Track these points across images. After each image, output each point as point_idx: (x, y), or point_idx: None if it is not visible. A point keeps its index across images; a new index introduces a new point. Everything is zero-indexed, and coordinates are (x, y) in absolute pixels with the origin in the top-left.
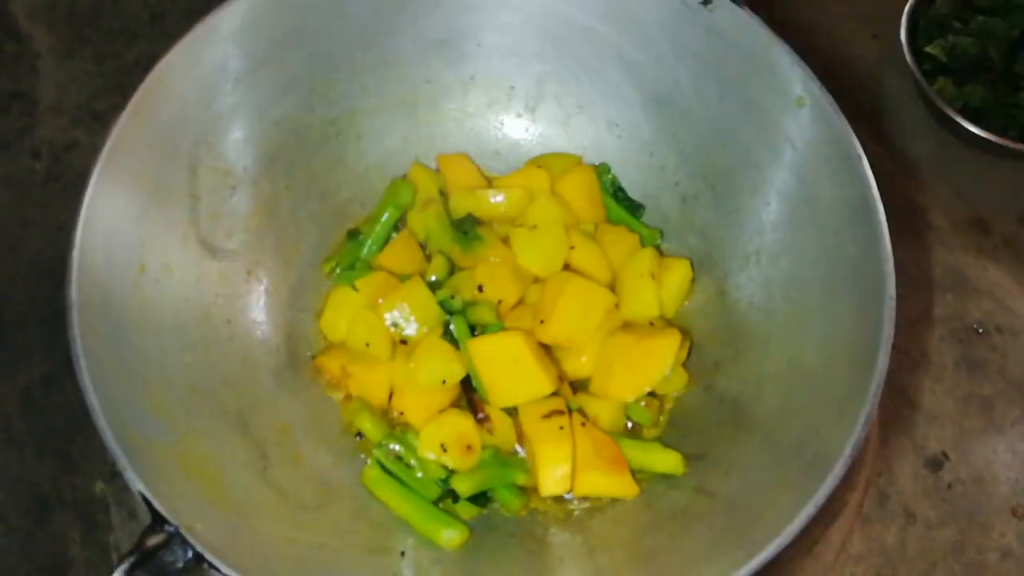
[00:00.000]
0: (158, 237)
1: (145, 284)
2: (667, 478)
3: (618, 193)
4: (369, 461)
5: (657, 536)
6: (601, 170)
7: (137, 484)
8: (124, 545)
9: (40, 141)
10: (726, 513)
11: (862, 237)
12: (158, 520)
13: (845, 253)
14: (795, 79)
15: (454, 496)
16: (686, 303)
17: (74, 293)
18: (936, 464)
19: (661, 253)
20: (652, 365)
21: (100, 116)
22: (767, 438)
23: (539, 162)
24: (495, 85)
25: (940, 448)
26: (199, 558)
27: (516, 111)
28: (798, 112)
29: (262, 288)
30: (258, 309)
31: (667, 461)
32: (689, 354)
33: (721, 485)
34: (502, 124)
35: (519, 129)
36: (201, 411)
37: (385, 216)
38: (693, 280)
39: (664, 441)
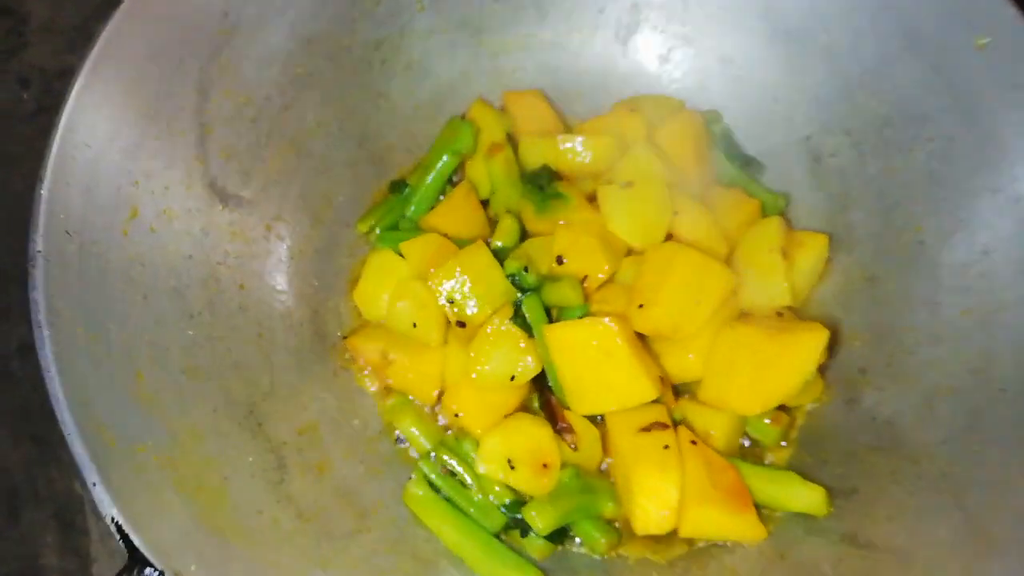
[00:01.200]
0: (156, 175)
1: (136, 234)
2: (805, 520)
3: (731, 148)
4: (413, 475)
5: None
6: (710, 118)
7: (110, 508)
8: (104, 560)
9: (29, 67)
10: (897, 574)
11: None
12: (136, 560)
13: None
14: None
15: (523, 528)
16: (819, 288)
17: (40, 242)
18: None
19: (789, 225)
20: (788, 370)
21: None
22: (945, 475)
23: (632, 105)
24: (579, 6)
25: None
26: None
27: (604, 40)
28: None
29: (283, 248)
30: (278, 274)
31: (806, 497)
32: (827, 356)
33: (882, 535)
34: (586, 56)
35: (608, 63)
36: (202, 402)
37: (439, 164)
38: (828, 260)
39: (795, 468)
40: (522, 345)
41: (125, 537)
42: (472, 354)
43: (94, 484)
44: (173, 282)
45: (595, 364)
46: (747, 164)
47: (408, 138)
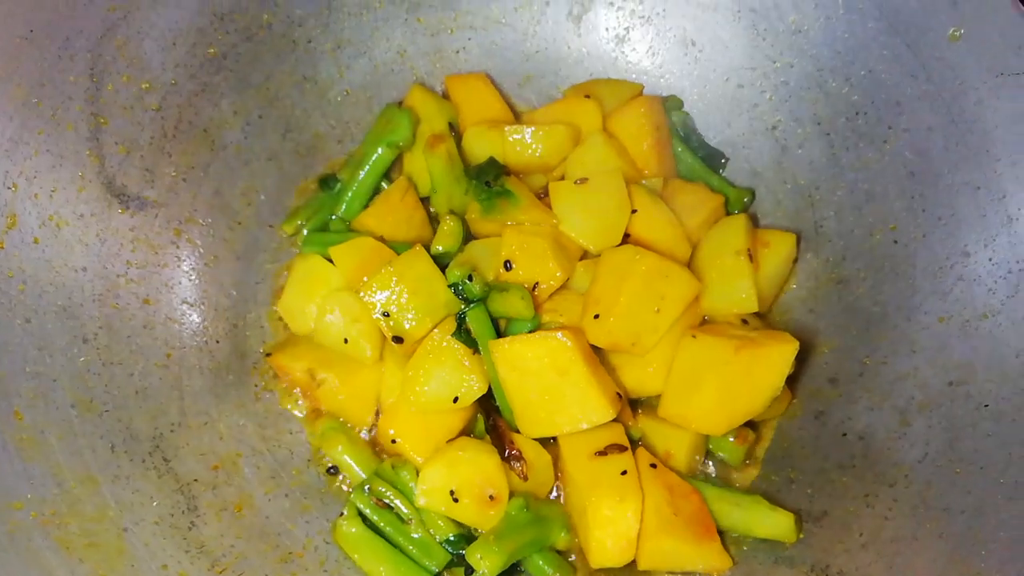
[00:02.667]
0: (40, 175)
1: (15, 246)
2: (773, 547)
3: (693, 137)
4: (345, 511)
5: None
6: (671, 104)
7: None
8: None
9: None
10: None
11: None
12: None
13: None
14: None
15: (468, 567)
16: (786, 292)
17: None
18: None
19: (755, 222)
20: (755, 385)
21: None
22: (923, 499)
23: (586, 90)
24: None
25: None
26: None
27: (556, 18)
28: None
29: (196, 254)
30: (189, 284)
31: (773, 523)
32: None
33: (855, 565)
34: (536, 36)
35: (560, 44)
36: (97, 440)
37: (373, 157)
38: (795, 261)
39: (761, 489)
40: (466, 363)
41: None
42: (410, 373)
43: None
44: (62, 301)
45: (547, 383)
46: (710, 155)
47: (339, 127)
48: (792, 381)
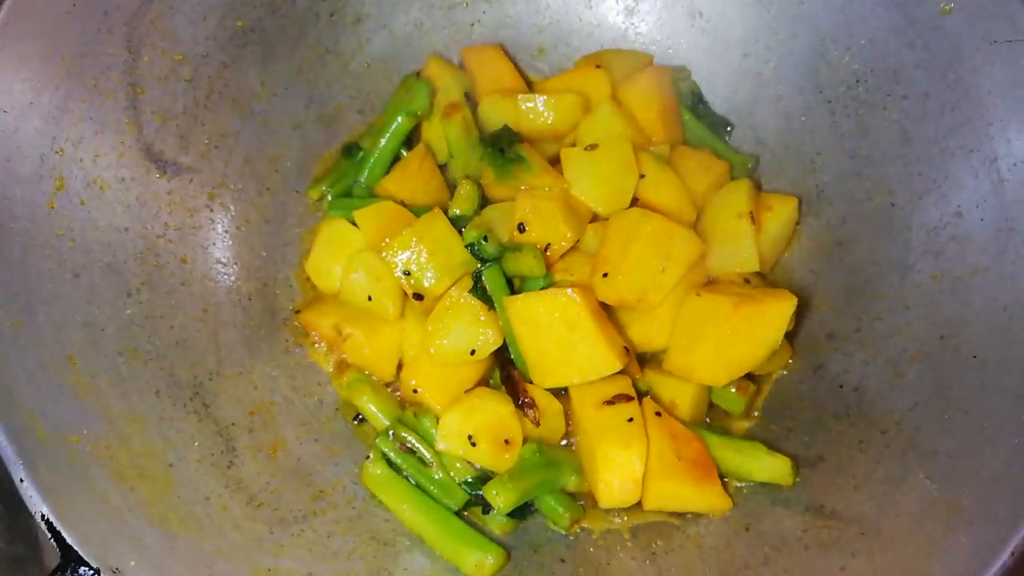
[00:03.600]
0: (84, 141)
1: (64, 206)
2: (771, 490)
3: (699, 106)
4: (371, 455)
5: (760, 573)
6: (679, 75)
7: (39, 505)
8: (52, 547)
9: None
10: (862, 547)
11: None
12: (70, 559)
13: None
14: None
15: (485, 505)
16: (787, 253)
17: None
18: None
19: (759, 187)
20: (755, 339)
21: None
22: (912, 443)
23: (596, 60)
24: None
25: None
26: None
27: None
28: None
29: (228, 218)
30: (223, 246)
31: (771, 467)
32: (794, 322)
33: (848, 504)
34: (548, 8)
35: (571, 16)
36: (143, 385)
37: (393, 126)
38: (797, 223)
39: (760, 437)
40: (482, 318)
41: (57, 535)
42: (430, 328)
43: (21, 480)
44: (107, 258)
45: (558, 336)
46: (716, 123)
47: (360, 98)
48: (792, 336)
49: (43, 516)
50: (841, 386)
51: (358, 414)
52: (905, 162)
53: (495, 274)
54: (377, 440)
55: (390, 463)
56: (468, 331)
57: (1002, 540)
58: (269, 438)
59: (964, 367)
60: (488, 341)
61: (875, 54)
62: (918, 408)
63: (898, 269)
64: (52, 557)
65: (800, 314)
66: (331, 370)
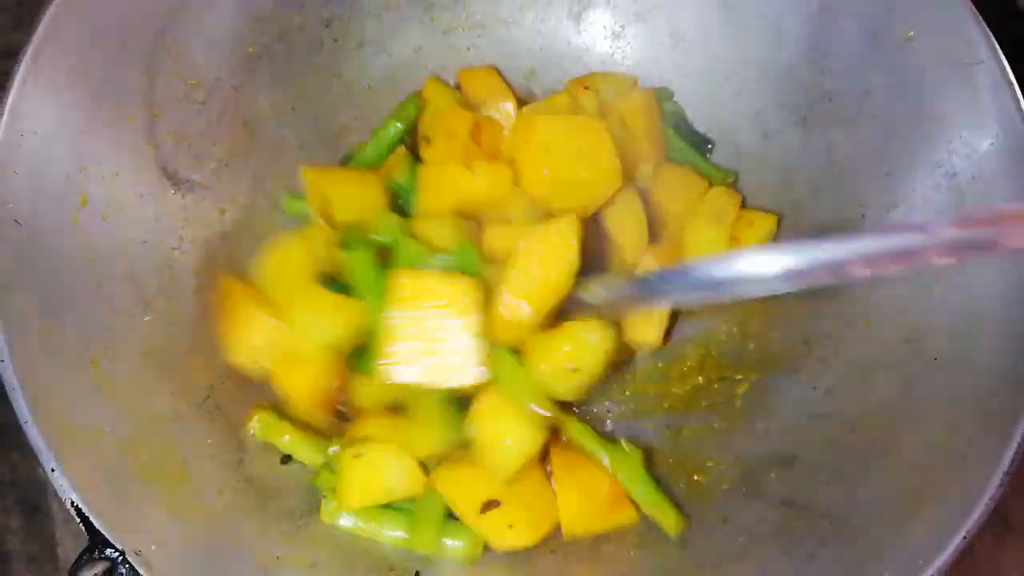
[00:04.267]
0: (106, 160)
1: (87, 221)
2: (748, 485)
3: (683, 125)
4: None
5: (740, 566)
6: (662, 95)
7: (69, 492)
8: (69, 544)
9: None
10: (830, 536)
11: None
12: (97, 541)
13: (990, 202)
14: None
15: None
16: None
17: None
18: None
19: (743, 204)
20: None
21: None
22: (878, 441)
23: (585, 83)
24: None
25: None
26: None
27: (558, 17)
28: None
29: (239, 232)
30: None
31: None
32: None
33: (819, 499)
34: (540, 33)
35: (561, 41)
36: (160, 387)
37: (382, 134)
38: (775, 237)
39: (740, 440)
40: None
41: (85, 520)
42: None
43: (52, 470)
44: (127, 269)
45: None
46: (697, 142)
47: (362, 118)
48: (770, 342)
49: (72, 503)
50: (815, 388)
51: (284, 455)
52: (875, 176)
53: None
54: (317, 479)
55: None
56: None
57: (956, 526)
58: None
59: (927, 368)
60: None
61: (846, 75)
62: (886, 408)
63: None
64: (66, 555)
65: (781, 321)
66: None
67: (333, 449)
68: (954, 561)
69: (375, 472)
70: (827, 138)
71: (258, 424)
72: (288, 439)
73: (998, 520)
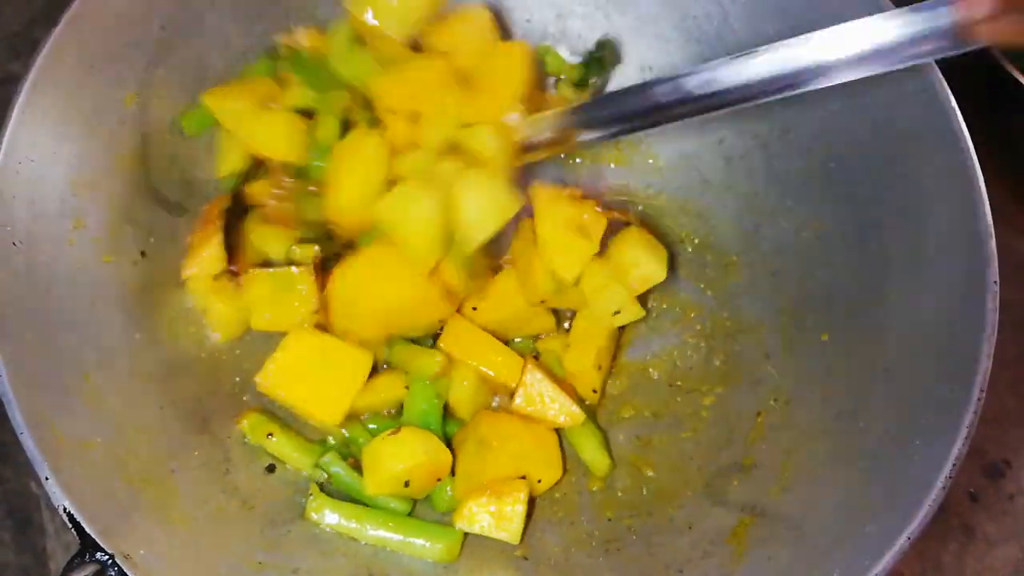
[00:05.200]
0: (100, 184)
1: (82, 243)
2: (712, 492)
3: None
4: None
5: (704, 567)
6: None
7: (62, 499)
8: (60, 556)
9: None
10: (788, 539)
11: (955, 202)
12: (88, 546)
13: (934, 225)
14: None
15: None
16: (730, 283)
17: None
18: (997, 472)
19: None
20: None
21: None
22: (835, 449)
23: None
24: (508, 16)
25: (1001, 455)
26: None
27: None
28: None
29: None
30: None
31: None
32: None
33: (777, 504)
34: None
35: None
36: (149, 400)
37: None
38: (737, 257)
39: (705, 448)
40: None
41: (77, 525)
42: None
43: (47, 478)
44: (119, 290)
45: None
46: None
47: None
48: (735, 354)
49: (64, 509)
50: (775, 399)
51: (270, 465)
52: (830, 200)
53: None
54: (309, 475)
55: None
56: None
57: (900, 528)
58: (260, 450)
59: (879, 379)
60: None
61: (804, 105)
62: (842, 417)
63: (823, 296)
64: (57, 567)
65: (744, 334)
66: None
67: (326, 459)
68: (902, 561)
69: (404, 449)
70: (786, 163)
71: (247, 424)
72: (275, 439)
73: (963, 531)
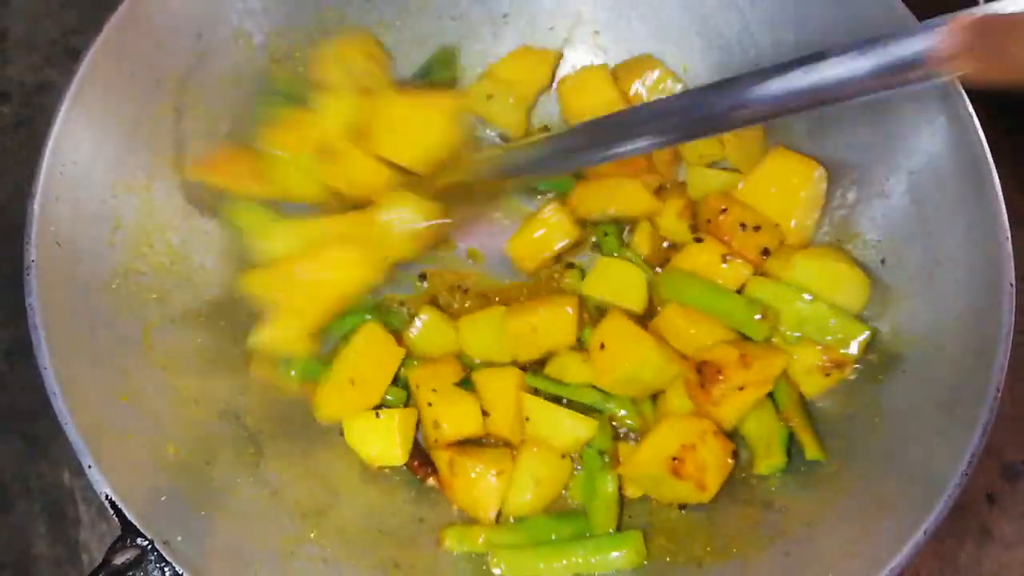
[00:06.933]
0: (138, 189)
1: (121, 243)
2: (731, 490)
3: None
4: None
5: (724, 561)
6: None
7: (103, 486)
8: (93, 547)
9: (8, 81)
10: (804, 536)
11: (971, 203)
12: (129, 531)
13: (951, 228)
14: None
15: None
16: None
17: (34, 252)
18: (1014, 474)
19: None
20: None
21: (76, 54)
22: (850, 447)
23: None
24: (530, 25)
25: (1019, 457)
26: None
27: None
28: None
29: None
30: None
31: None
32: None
33: (794, 501)
34: None
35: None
36: (184, 396)
37: None
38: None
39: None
40: None
41: (118, 512)
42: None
43: (89, 466)
44: (156, 287)
45: None
46: None
47: None
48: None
49: (106, 496)
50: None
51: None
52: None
53: None
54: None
55: None
56: None
57: (917, 523)
58: (291, 442)
59: (895, 380)
60: None
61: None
62: (856, 416)
63: None
64: (91, 558)
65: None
66: None
67: None
68: (919, 559)
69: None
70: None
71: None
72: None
73: (980, 531)
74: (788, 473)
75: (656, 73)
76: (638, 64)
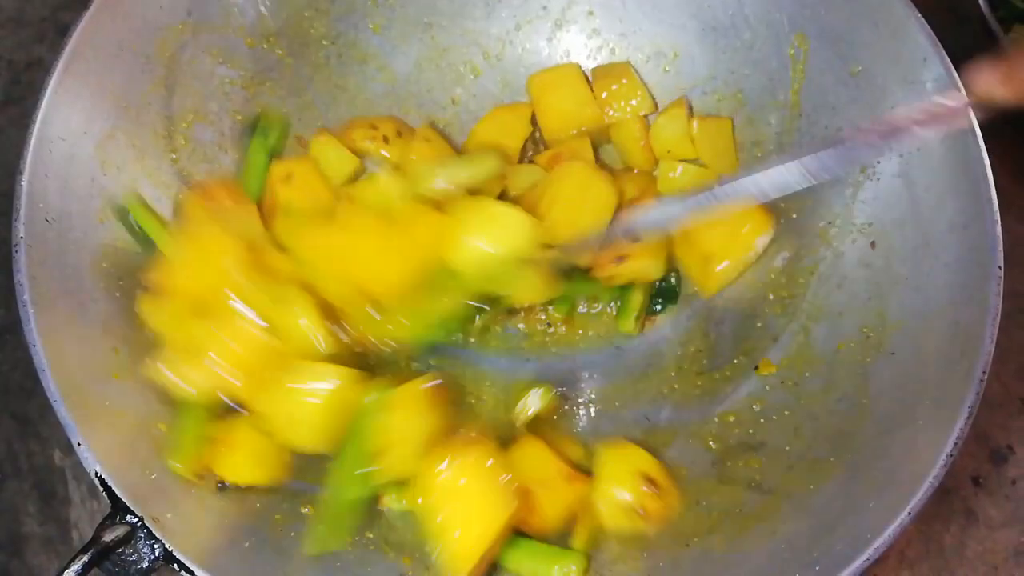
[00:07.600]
0: (127, 165)
1: (110, 220)
2: (718, 470)
3: None
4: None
5: (711, 541)
6: None
7: (93, 463)
8: (84, 525)
9: None
10: (790, 515)
11: (962, 187)
12: (118, 508)
13: (941, 211)
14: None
15: None
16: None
17: (22, 229)
18: (1000, 457)
19: None
20: None
21: (67, 30)
22: (838, 430)
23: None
24: (524, 3)
25: (1005, 441)
26: (168, 557)
27: (546, 36)
28: (883, 45)
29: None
30: None
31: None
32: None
33: (781, 483)
34: (528, 52)
35: (542, 58)
36: None
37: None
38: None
39: (716, 425)
40: None
41: (108, 489)
42: None
43: (79, 444)
44: (144, 265)
45: None
46: None
47: None
48: (741, 338)
49: (96, 473)
50: (783, 382)
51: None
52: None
53: None
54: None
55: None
56: None
57: (903, 503)
58: None
59: (884, 362)
60: None
61: (815, 92)
62: (845, 399)
63: (834, 277)
64: (81, 537)
65: (748, 319)
66: None
67: None
68: (904, 540)
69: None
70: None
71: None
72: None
73: (965, 514)
74: (774, 454)
75: (625, 81)
76: (614, 70)
